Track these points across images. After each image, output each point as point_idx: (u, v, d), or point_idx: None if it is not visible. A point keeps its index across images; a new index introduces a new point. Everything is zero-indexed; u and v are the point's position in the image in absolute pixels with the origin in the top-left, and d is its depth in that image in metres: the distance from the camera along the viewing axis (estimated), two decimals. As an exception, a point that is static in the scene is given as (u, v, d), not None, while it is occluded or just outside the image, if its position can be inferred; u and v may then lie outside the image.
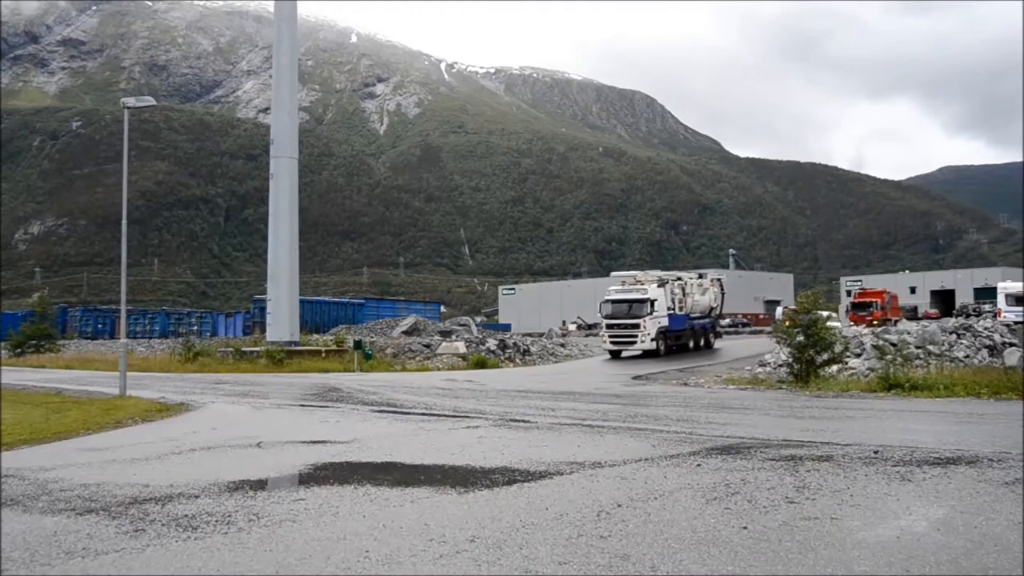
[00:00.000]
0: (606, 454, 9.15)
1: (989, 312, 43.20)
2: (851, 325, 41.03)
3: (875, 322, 46.02)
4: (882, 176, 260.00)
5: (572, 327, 71.65)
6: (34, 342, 44.49)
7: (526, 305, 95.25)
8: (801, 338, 18.68)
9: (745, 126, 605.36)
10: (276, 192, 36.17)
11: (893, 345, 20.19)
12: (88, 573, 5.01)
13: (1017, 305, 41.51)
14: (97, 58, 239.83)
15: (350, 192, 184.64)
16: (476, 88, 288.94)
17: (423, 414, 14.32)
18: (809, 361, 18.66)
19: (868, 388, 17.03)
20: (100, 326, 66.28)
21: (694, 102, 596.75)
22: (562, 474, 7.95)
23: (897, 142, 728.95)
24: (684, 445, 9.73)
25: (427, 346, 35.14)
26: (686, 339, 35.19)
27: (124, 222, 21.24)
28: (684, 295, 35.60)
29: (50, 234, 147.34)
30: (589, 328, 66.60)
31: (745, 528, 5.68)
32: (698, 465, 8.29)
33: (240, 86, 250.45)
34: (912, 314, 62.54)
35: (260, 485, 7.96)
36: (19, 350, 44.05)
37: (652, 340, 32.24)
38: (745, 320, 73.79)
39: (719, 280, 41.60)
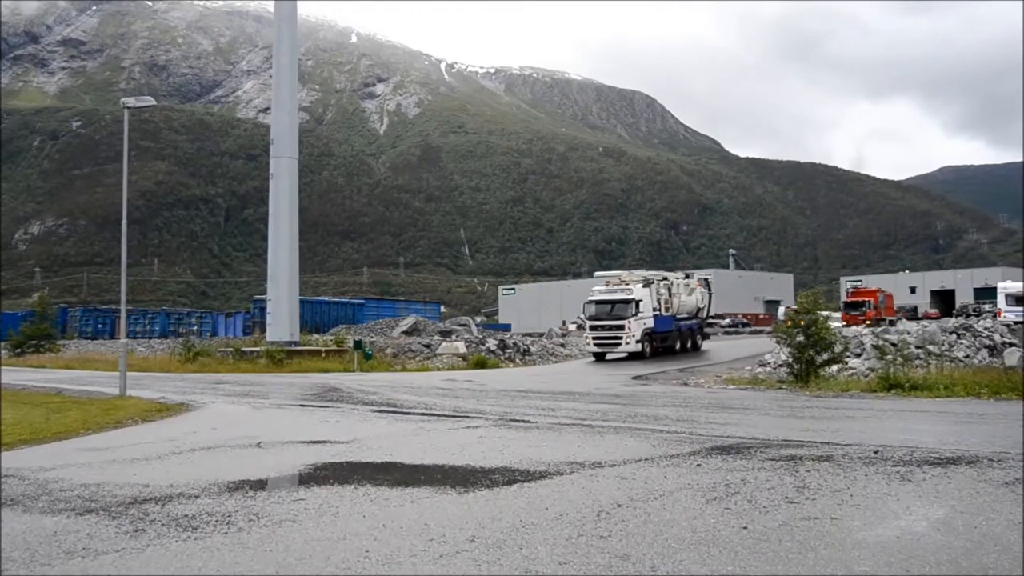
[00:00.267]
0: (606, 454, 9.15)
1: (989, 312, 43.17)
2: (844, 325, 40.90)
3: (868, 322, 45.90)
4: (882, 176, 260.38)
5: (572, 327, 71.56)
6: (34, 342, 44.52)
7: (526, 305, 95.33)
8: (801, 338, 18.69)
9: (745, 126, 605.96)
10: (276, 192, 36.19)
11: (893, 345, 20.18)
12: (88, 573, 5.01)
13: (1017, 305, 41.49)
14: (97, 58, 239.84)
15: (350, 192, 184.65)
16: (476, 88, 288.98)
17: (423, 414, 14.32)
18: (809, 361, 18.66)
19: (868, 388, 17.03)
20: (100, 326, 66.31)
21: (694, 102, 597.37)
22: (562, 474, 7.95)
23: (897, 142, 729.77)
24: (684, 445, 9.73)
25: (427, 346, 35.15)
26: (672, 341, 34.18)
27: (124, 222, 21.24)
28: (670, 295, 34.64)
29: (50, 234, 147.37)
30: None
31: (745, 528, 5.68)
32: (698, 465, 8.29)
33: (240, 86, 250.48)
34: (912, 314, 62.54)
35: (260, 485, 7.96)
36: (19, 350, 44.08)
37: (637, 342, 31.37)
38: (745, 320, 73.83)
39: (706, 280, 40.65)
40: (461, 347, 34.26)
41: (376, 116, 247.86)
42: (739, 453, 9.04)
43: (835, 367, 19.42)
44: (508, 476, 7.88)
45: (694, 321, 37.00)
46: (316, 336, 41.41)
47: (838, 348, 19.25)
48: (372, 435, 11.61)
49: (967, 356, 20.53)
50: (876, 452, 8.82)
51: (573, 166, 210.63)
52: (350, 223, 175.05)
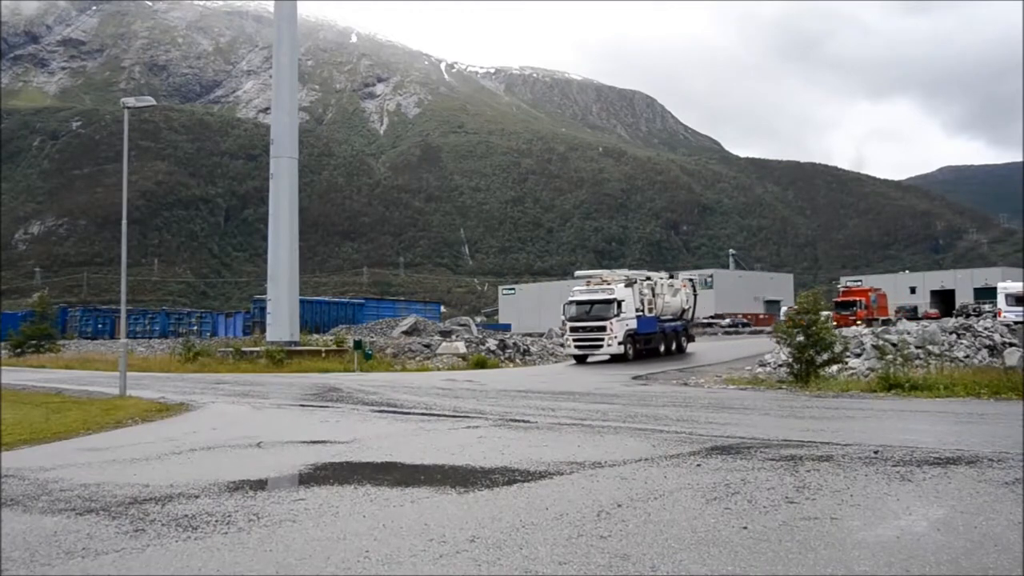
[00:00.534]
0: (606, 454, 9.16)
1: (989, 312, 43.16)
2: (835, 326, 40.58)
3: (859, 322, 45.61)
4: (882, 176, 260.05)
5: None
6: (34, 342, 44.54)
7: (526, 305, 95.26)
8: (801, 338, 18.69)
9: (745, 126, 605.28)
10: (276, 192, 36.20)
11: (893, 345, 20.19)
12: (88, 573, 5.01)
13: (1017, 305, 41.46)
14: (97, 58, 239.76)
15: (350, 192, 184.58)
16: (476, 88, 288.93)
17: (423, 414, 14.33)
18: (809, 361, 18.66)
19: (868, 388, 17.03)
20: (100, 326, 66.34)
21: (694, 102, 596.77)
22: (562, 474, 7.95)
23: (897, 142, 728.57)
24: (684, 445, 9.73)
25: (427, 346, 35.16)
26: (656, 342, 33.20)
27: (124, 222, 21.25)
28: (654, 296, 33.55)
29: (50, 234, 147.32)
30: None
31: (745, 528, 5.68)
32: (698, 465, 8.29)
33: (240, 86, 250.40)
34: (912, 314, 62.51)
35: (260, 485, 7.96)
36: (19, 350, 44.09)
37: (619, 344, 30.34)
38: (745, 320, 73.84)
39: (691, 281, 39.81)
40: (461, 347, 34.26)
41: (376, 116, 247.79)
42: (739, 453, 9.04)
43: (835, 367, 19.42)
44: (508, 476, 7.88)
45: (679, 322, 36.06)
46: (316, 336, 41.43)
47: (838, 348, 19.25)
48: (372, 435, 11.62)
49: (967, 356, 20.53)
50: (876, 452, 8.82)
51: (573, 166, 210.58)
52: (350, 223, 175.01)
